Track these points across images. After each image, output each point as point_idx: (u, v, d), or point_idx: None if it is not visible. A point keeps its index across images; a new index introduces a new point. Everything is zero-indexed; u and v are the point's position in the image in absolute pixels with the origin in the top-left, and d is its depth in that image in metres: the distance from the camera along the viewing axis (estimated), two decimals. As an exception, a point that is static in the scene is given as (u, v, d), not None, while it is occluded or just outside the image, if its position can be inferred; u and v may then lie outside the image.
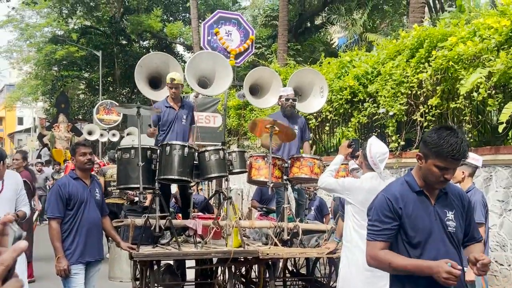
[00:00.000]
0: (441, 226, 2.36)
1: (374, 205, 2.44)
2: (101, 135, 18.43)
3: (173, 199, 6.77)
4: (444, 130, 2.31)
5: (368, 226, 2.43)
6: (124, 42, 30.22)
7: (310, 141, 7.41)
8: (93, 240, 4.28)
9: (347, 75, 8.53)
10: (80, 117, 29.18)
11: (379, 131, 7.98)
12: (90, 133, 17.97)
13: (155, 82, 6.15)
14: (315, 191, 6.68)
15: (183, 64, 28.97)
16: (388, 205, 2.37)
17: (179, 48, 32.41)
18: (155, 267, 4.94)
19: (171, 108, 5.76)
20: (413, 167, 2.48)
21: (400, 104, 7.10)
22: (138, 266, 5.15)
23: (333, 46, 20.83)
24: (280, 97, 6.09)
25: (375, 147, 3.74)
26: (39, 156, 17.64)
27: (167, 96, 5.82)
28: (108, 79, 30.42)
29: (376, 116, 7.67)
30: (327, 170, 4.28)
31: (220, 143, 6.45)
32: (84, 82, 31.13)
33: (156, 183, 4.98)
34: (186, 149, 4.97)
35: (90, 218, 4.25)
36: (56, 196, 4.14)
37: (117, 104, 18.38)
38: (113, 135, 18.52)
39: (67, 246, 4.14)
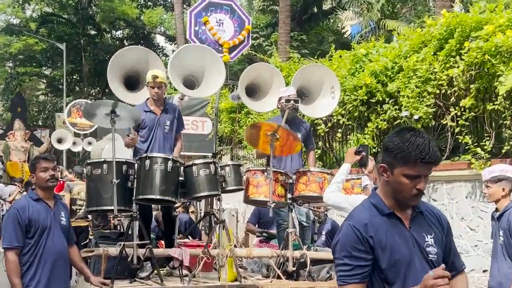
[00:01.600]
0: (420, 254, 2.34)
1: (339, 239, 2.37)
2: (74, 143, 17.98)
3: (155, 222, 6.78)
4: (406, 131, 2.32)
5: (337, 267, 2.36)
6: (93, 32, 30.35)
7: (317, 151, 7.44)
8: (58, 274, 4.27)
9: (363, 71, 8.55)
10: (40, 123, 29.20)
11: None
12: (60, 140, 17.61)
13: (132, 82, 6.17)
14: (325, 212, 6.70)
15: (165, 59, 29.13)
16: (357, 235, 2.31)
17: (160, 39, 32.57)
18: (133, 306, 4.93)
19: (151, 113, 5.78)
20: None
21: (426, 106, 7.12)
22: (113, 306, 5.13)
23: (345, 35, 20.94)
24: (280, 98, 6.13)
25: None
26: (-11, 171, 17.55)
27: (147, 99, 5.85)
28: (74, 77, 30.50)
29: (398, 121, 7.68)
30: (332, 182, 4.30)
31: (211, 155, 6.46)
32: (44, 81, 31.20)
33: (134, 204, 4.99)
34: (170, 163, 4.98)
35: (54, 247, 4.25)
36: (13, 222, 4.13)
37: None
38: (89, 143, 17.92)
39: (27, 282, 4.13)
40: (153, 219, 6.50)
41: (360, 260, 2.29)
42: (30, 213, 4.17)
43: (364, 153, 4.36)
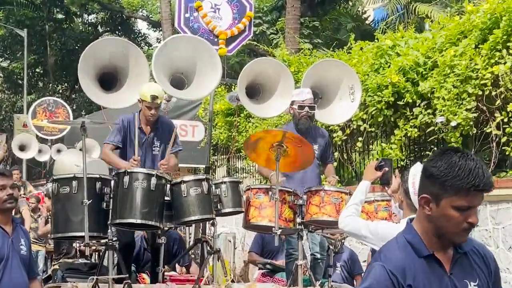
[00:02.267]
0: None
1: (369, 284, 2.35)
2: (40, 151, 17.86)
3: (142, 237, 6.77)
4: (452, 153, 2.31)
5: None
6: (60, 16, 30.45)
7: (335, 164, 7.45)
8: (16, 316, 4.26)
9: (389, 67, 8.55)
10: (-4, 126, 29.22)
11: (436, 149, 7.98)
12: (22, 148, 17.56)
13: (108, 80, 6.20)
14: (342, 240, 6.68)
15: (147, 49, 29.18)
16: (393, 282, 2.30)
17: (141, 25, 32.68)
18: None
19: (140, 131, 5.83)
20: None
21: (466, 110, 7.12)
22: None
23: (367, 22, 20.97)
24: (292, 103, 6.13)
25: None
26: None
27: (139, 111, 5.90)
28: (37, 70, 30.62)
29: (432, 128, 7.69)
30: (349, 205, 4.29)
31: (203, 168, 6.47)
32: (1, 75, 31.25)
33: (110, 230, 4.99)
34: (154, 180, 5.00)
35: (12, 282, 4.24)
36: (-38, 252, 4.13)
37: (63, 103, 17.97)
38: (58, 151, 17.71)
39: (-22, 326, 4.13)
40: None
41: None
42: (-17, 241, 4.16)
43: (387, 169, 4.35)
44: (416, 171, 3.79)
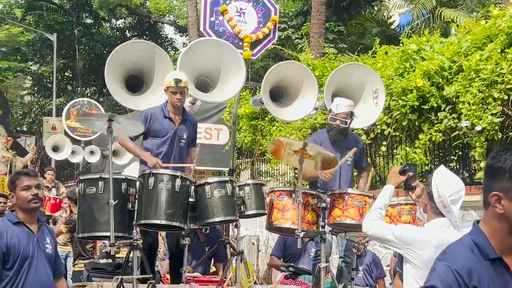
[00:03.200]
0: None
1: (434, 284, 2.28)
2: (73, 152, 17.87)
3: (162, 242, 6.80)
4: None
5: None
6: (89, 21, 30.77)
7: (371, 172, 7.43)
8: (42, 314, 4.30)
9: (413, 71, 8.52)
10: (25, 129, 29.57)
11: (460, 154, 7.90)
12: (55, 149, 17.60)
13: (134, 83, 6.25)
14: (365, 243, 6.65)
15: (174, 53, 29.34)
16: (459, 282, 2.23)
17: (168, 30, 32.88)
18: None
19: (170, 121, 5.85)
20: None
21: (491, 114, 7.05)
22: None
23: (392, 27, 20.89)
24: (330, 110, 6.11)
25: (445, 182, 3.72)
26: (-35, 185, 17.77)
27: (166, 102, 5.91)
28: (66, 74, 30.92)
29: (457, 132, 7.63)
30: (372, 209, 4.28)
31: (227, 171, 6.49)
32: (31, 78, 31.63)
33: (134, 230, 5.02)
34: (178, 181, 5.02)
35: (38, 281, 4.27)
36: (-12, 250, 4.18)
37: (96, 104, 18.04)
38: (92, 152, 17.70)
39: (5, 322, 4.17)
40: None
41: None
42: (8, 239, 4.18)
43: (411, 173, 4.33)
44: (438, 175, 3.77)
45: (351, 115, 6.08)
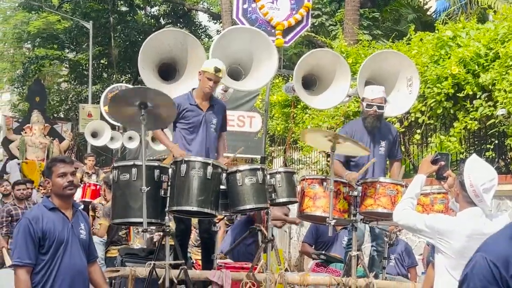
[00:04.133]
0: None
1: (469, 273, 2.29)
2: (112, 138, 17.88)
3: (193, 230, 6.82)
4: None
5: None
6: (124, 9, 30.96)
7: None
8: (76, 297, 4.37)
9: (449, 58, 8.41)
10: (62, 116, 29.99)
11: (496, 142, 7.80)
12: (95, 135, 17.66)
13: (167, 71, 6.28)
14: (398, 232, 6.63)
15: (207, 40, 29.40)
16: (494, 273, 2.22)
17: (202, 17, 32.93)
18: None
19: (197, 108, 5.88)
20: None
21: (528, 102, 6.95)
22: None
23: (428, 13, 20.60)
24: (363, 99, 6.10)
25: (477, 171, 3.68)
26: (2, 171, 17.98)
27: (193, 89, 5.94)
28: (101, 61, 31.20)
29: (493, 120, 7.54)
30: (404, 198, 4.26)
31: (259, 158, 6.51)
32: (67, 66, 32.03)
33: (167, 217, 5.08)
34: (210, 169, 5.06)
35: (72, 265, 4.35)
36: (24, 235, 4.23)
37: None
38: (130, 138, 17.62)
39: (40, 305, 4.25)
40: None
41: None
42: (44, 224, 4.27)
43: (443, 163, 4.28)
44: (470, 164, 3.73)
45: (385, 101, 6.06)
